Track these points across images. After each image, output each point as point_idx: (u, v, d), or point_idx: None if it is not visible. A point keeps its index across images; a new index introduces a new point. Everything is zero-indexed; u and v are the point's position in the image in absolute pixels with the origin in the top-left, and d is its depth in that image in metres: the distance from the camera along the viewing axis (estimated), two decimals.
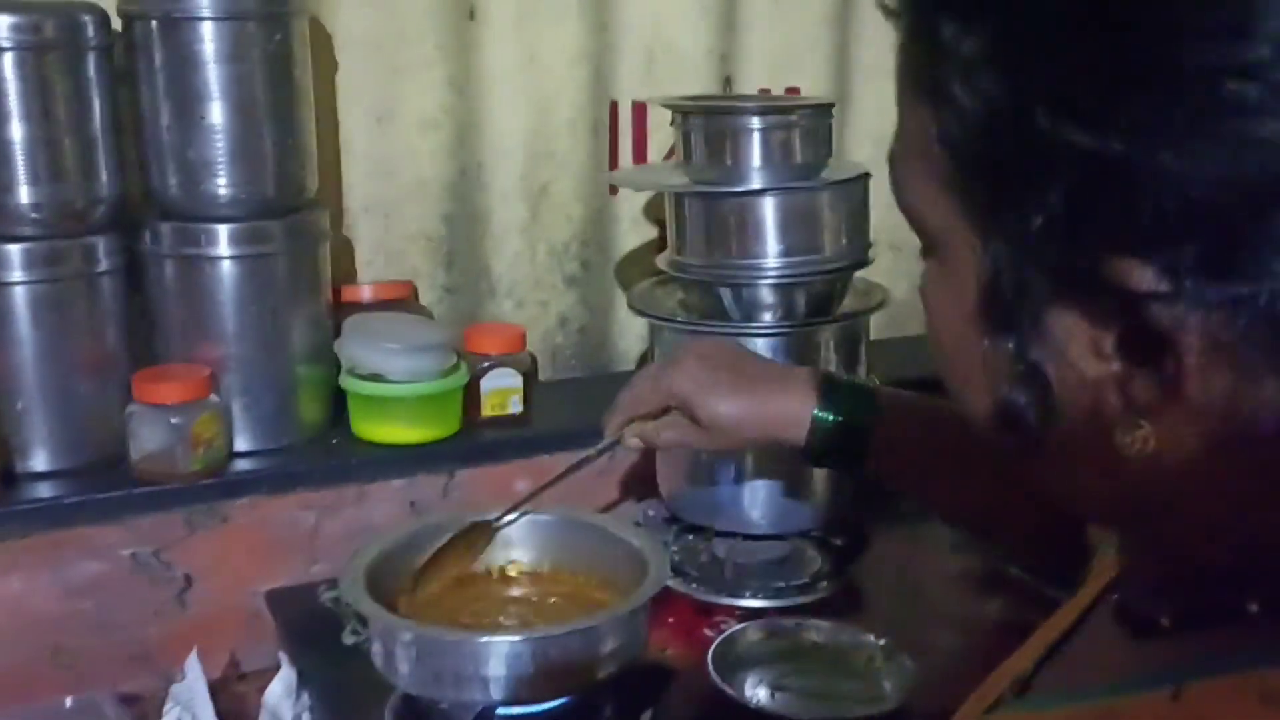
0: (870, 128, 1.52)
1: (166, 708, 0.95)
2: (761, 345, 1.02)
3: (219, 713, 1.01)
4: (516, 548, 0.95)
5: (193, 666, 0.98)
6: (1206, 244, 0.35)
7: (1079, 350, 0.39)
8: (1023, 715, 0.46)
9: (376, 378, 1.14)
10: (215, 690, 1.05)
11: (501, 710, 0.81)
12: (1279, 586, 0.39)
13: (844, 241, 1.03)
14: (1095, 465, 0.41)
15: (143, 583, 1.07)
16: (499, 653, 0.76)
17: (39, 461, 1.06)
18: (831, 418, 0.81)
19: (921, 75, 0.41)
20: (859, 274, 1.09)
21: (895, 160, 0.44)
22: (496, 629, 0.87)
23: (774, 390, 0.82)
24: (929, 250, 0.44)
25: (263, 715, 0.92)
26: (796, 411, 0.81)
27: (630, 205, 1.40)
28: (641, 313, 1.08)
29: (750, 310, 1.03)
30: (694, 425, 0.85)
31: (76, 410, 1.07)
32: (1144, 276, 0.36)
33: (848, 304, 1.07)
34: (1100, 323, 0.38)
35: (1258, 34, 0.34)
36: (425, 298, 1.33)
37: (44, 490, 1.04)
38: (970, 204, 0.40)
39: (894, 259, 1.57)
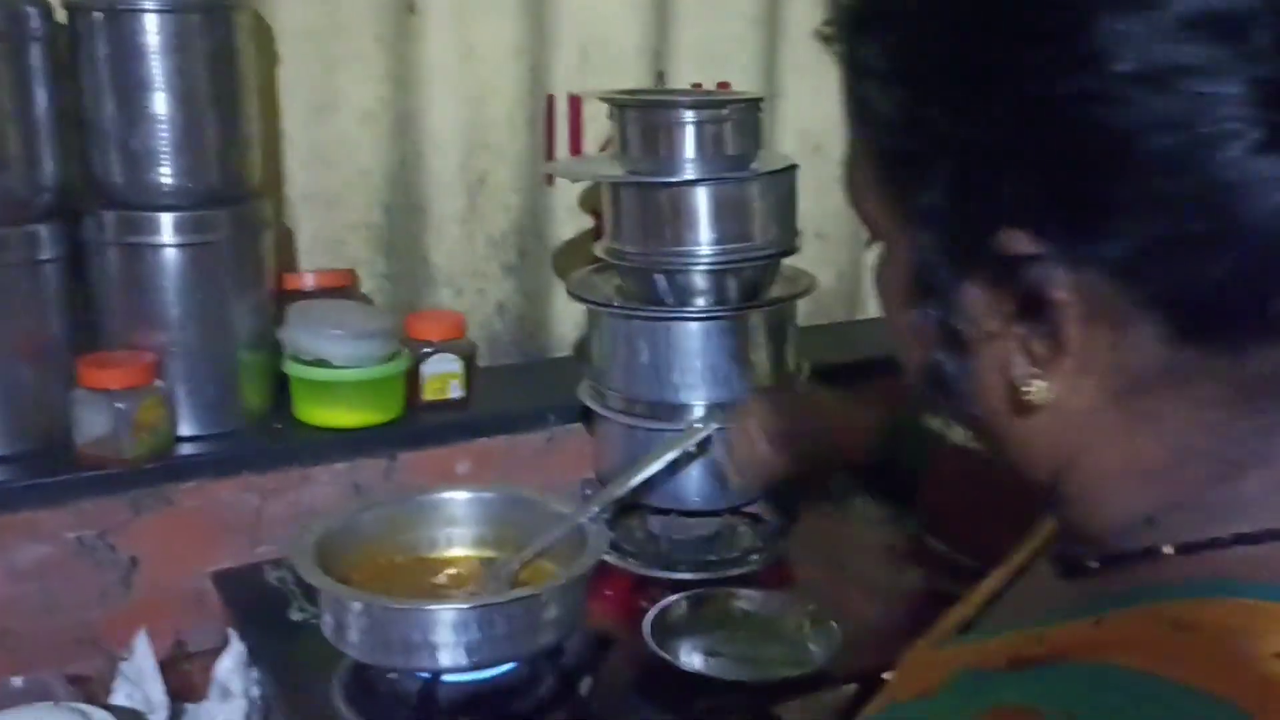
0: (797, 121, 1.57)
1: (115, 685, 0.97)
2: (694, 329, 1.06)
3: (169, 688, 1.03)
4: (460, 524, 0.99)
5: (141, 645, 1.00)
6: (1066, 210, 0.41)
7: (986, 316, 0.44)
8: (964, 647, 0.51)
9: (320, 363, 1.17)
10: (162, 669, 1.07)
11: (448, 677, 0.85)
12: (1189, 531, 0.44)
13: (773, 230, 1.08)
14: (1011, 423, 0.47)
15: (88, 566, 1.08)
16: (446, 620, 0.80)
17: None
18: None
19: (851, 92, 0.48)
20: (787, 261, 1.14)
21: (846, 166, 0.51)
22: (443, 598, 0.90)
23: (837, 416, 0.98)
24: (875, 240, 0.50)
25: (213, 689, 0.95)
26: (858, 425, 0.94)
27: (566, 195, 1.44)
28: (580, 298, 1.12)
29: (683, 295, 1.07)
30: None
31: (20, 396, 1.08)
32: (1021, 243, 0.42)
33: (776, 290, 1.12)
34: (998, 289, 0.44)
35: (1088, 31, 0.40)
36: (366, 286, 1.35)
37: None
38: (891, 197, 0.47)
39: (820, 247, 1.63)
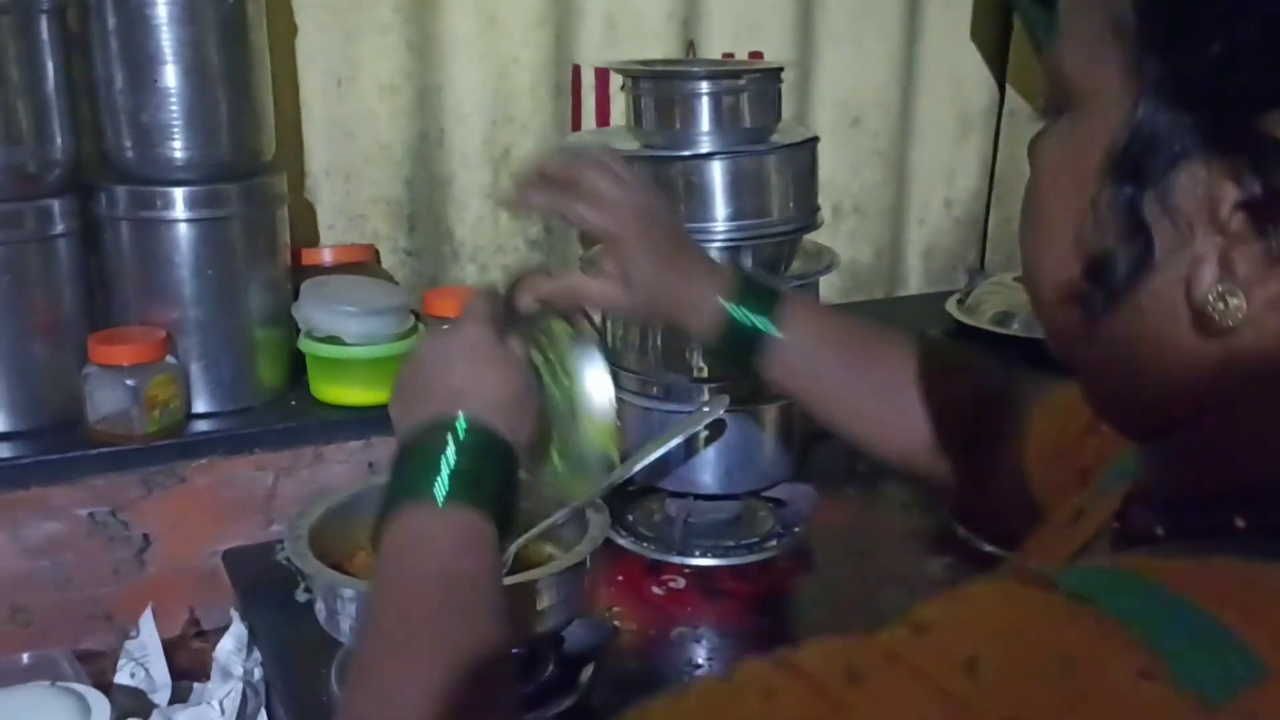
0: (835, 93, 1.53)
1: (120, 663, 0.97)
2: None
3: (177, 668, 1.03)
4: None
5: (146, 623, 0.99)
6: None
7: (1195, 210, 0.40)
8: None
9: (334, 340, 1.15)
10: (174, 646, 1.07)
11: None
12: (1270, 508, 0.41)
13: (791, 205, 1.03)
14: (1162, 349, 0.42)
15: (101, 542, 1.08)
16: None
17: None
18: (736, 316, 0.79)
19: None
20: (812, 237, 1.10)
21: (1064, 15, 0.45)
22: None
23: (697, 273, 0.80)
24: (1062, 107, 0.45)
25: (214, 669, 0.94)
26: (707, 300, 0.79)
27: None
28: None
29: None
30: (612, 275, 0.79)
31: (33, 372, 1.08)
32: None
33: (797, 267, 1.08)
34: (1228, 180, 0.39)
35: None
36: (387, 261, 1.34)
37: (1, 451, 1.05)
38: (1141, 46, 0.41)
39: (858, 222, 1.59)
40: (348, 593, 0.80)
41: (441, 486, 0.62)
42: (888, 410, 0.80)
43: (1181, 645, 0.37)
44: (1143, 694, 0.36)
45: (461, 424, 0.64)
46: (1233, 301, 0.40)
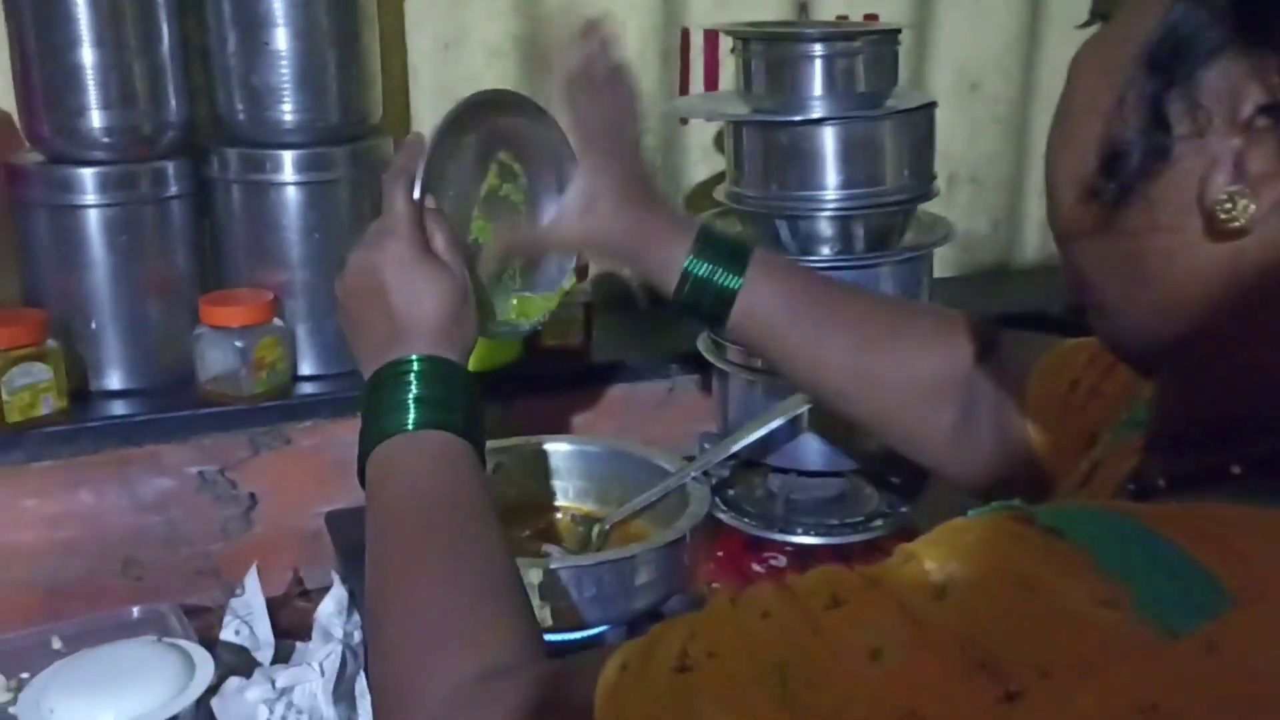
0: (953, 57, 1.47)
1: (226, 620, 0.98)
2: None
3: (281, 626, 1.04)
4: (561, 476, 0.95)
5: (252, 581, 1.00)
6: None
7: (1217, 108, 0.41)
8: None
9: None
10: (278, 605, 1.08)
11: None
12: (1263, 447, 0.43)
13: (906, 173, 1.00)
14: (1171, 251, 0.43)
15: (209, 500, 1.10)
16: (533, 581, 0.77)
17: (111, 380, 1.10)
18: (701, 272, 0.77)
19: None
20: (926, 208, 1.06)
21: None
22: (533, 557, 0.88)
23: (659, 219, 0.79)
24: (1104, 13, 0.47)
25: (315, 631, 0.94)
26: (671, 258, 0.78)
27: (701, 135, 1.38)
28: None
29: (807, 243, 1.00)
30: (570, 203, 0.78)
31: (147, 331, 1.10)
32: None
33: (910, 238, 1.04)
34: (1254, 81, 0.40)
35: None
36: None
37: (117, 408, 1.08)
38: None
39: (974, 193, 1.53)
40: None
41: (410, 418, 0.65)
42: (866, 365, 0.78)
43: (1147, 576, 0.38)
44: (1099, 619, 0.38)
45: (414, 364, 0.67)
46: (1242, 202, 0.40)
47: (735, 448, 0.93)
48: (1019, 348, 0.74)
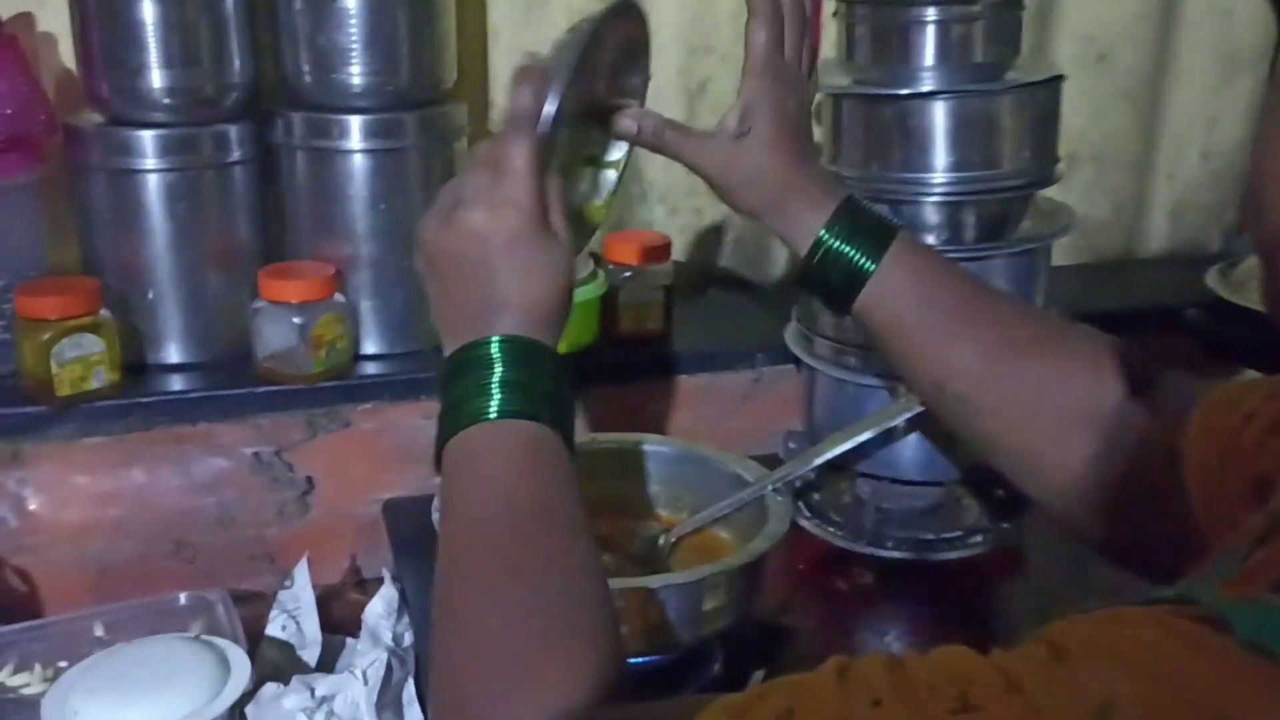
0: (1080, 25, 1.34)
1: (272, 614, 0.93)
2: None
3: (334, 619, 0.99)
4: (629, 481, 0.88)
5: (301, 573, 0.95)
6: None
7: None
8: None
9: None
10: (331, 596, 1.03)
11: None
12: None
13: (1027, 154, 0.89)
14: None
15: (265, 483, 1.05)
16: None
17: (169, 353, 1.05)
18: (835, 244, 0.71)
19: None
20: (1045, 192, 0.95)
21: None
22: None
23: (805, 185, 0.72)
24: None
25: (363, 632, 0.89)
26: (809, 219, 0.72)
27: None
28: None
29: (912, 230, 0.90)
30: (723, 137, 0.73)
31: (206, 303, 1.05)
32: None
33: (1027, 227, 0.93)
34: None
35: None
36: None
37: (172, 383, 1.03)
38: None
39: (1096, 173, 1.41)
40: None
41: (493, 404, 0.59)
42: (1000, 378, 0.69)
43: None
44: None
45: (507, 343, 0.60)
46: None
47: (820, 460, 0.84)
48: (1182, 386, 0.64)
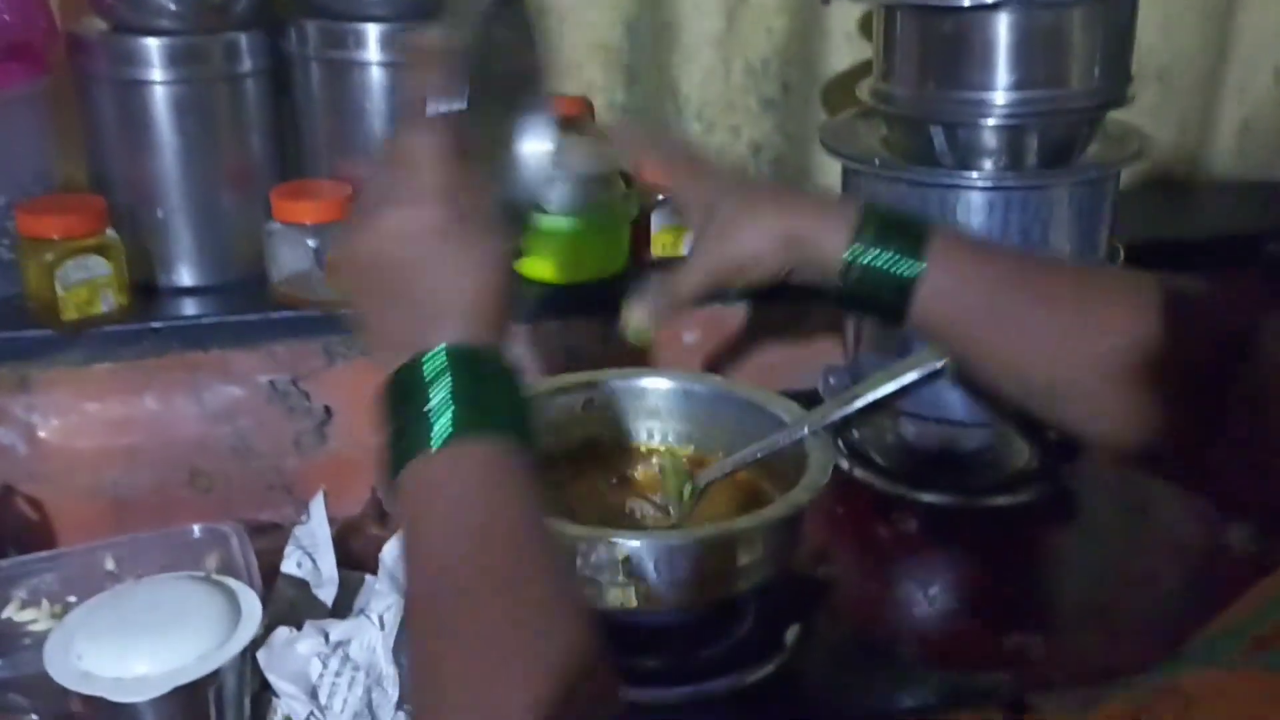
0: None
1: (288, 550, 0.90)
2: (978, 200, 0.83)
3: (353, 553, 0.95)
4: (663, 418, 0.83)
5: (317, 509, 0.91)
6: None
7: None
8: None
9: (535, 207, 1.02)
10: (351, 530, 1.00)
11: (623, 618, 0.71)
12: None
13: (1096, 74, 0.82)
14: None
15: (282, 412, 1.01)
16: (618, 558, 0.65)
17: (180, 276, 1.01)
18: (869, 259, 0.66)
19: None
20: (1112, 114, 0.88)
21: None
22: (619, 513, 0.76)
23: (806, 217, 0.68)
24: None
25: (380, 574, 0.85)
26: (830, 246, 0.67)
27: (844, 18, 1.20)
28: (833, 151, 0.90)
29: (967, 156, 0.84)
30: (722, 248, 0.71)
31: (218, 223, 1.00)
32: None
33: (1094, 152, 0.86)
34: None
35: None
36: (601, 117, 1.18)
37: (184, 307, 0.99)
38: None
39: (1160, 92, 1.32)
40: None
41: (443, 427, 0.52)
42: (1070, 336, 0.65)
43: None
44: None
45: (448, 355, 0.53)
46: None
47: (862, 401, 0.79)
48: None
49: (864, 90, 0.89)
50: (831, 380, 1.01)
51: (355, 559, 0.95)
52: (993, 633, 0.76)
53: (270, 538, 0.97)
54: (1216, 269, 0.97)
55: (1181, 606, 0.79)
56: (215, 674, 0.71)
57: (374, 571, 0.91)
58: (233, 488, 1.02)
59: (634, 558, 0.65)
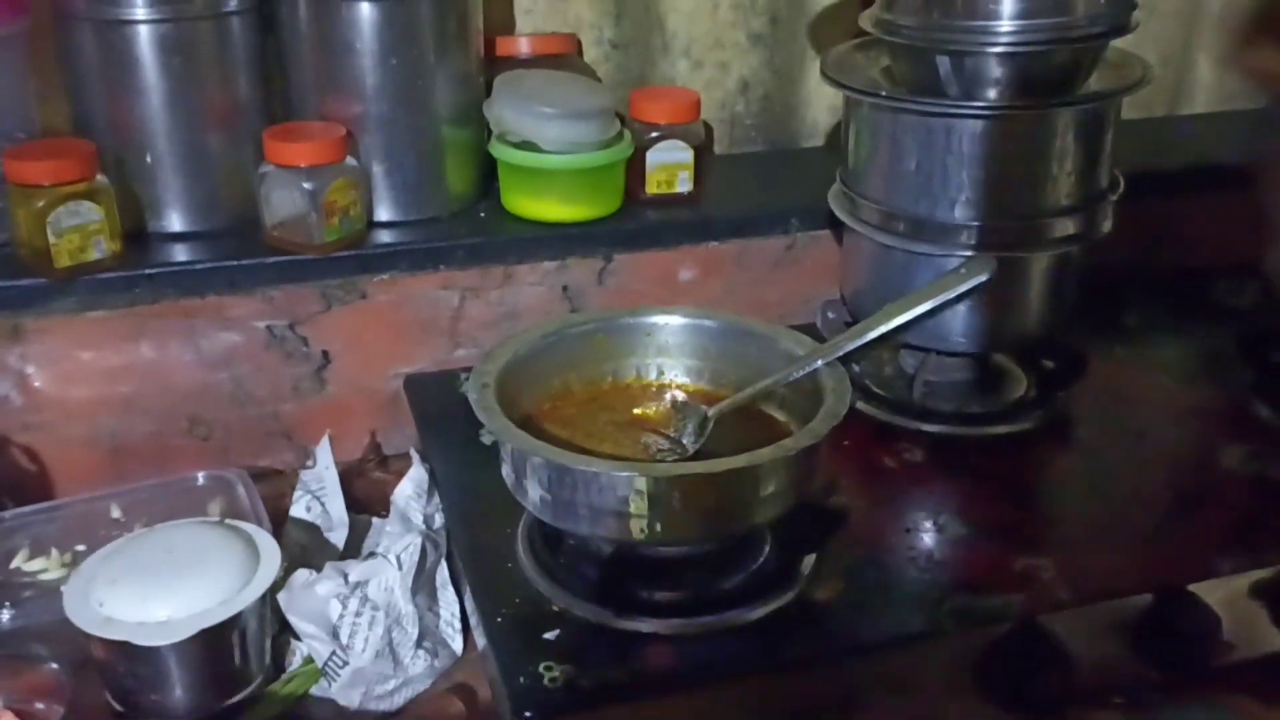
0: None
1: (296, 495, 0.90)
2: (982, 129, 0.84)
3: (356, 498, 0.95)
4: (673, 354, 0.83)
5: (324, 453, 0.91)
6: None
7: None
8: None
9: (530, 146, 1.01)
10: (353, 473, 1.00)
11: (643, 550, 0.72)
12: None
13: (1101, 0, 0.82)
14: None
15: (279, 357, 1.00)
16: (640, 489, 0.65)
17: (171, 221, 0.99)
18: None
19: None
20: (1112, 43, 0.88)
21: None
22: (633, 444, 0.76)
23: None
24: None
25: (392, 514, 0.85)
26: None
27: None
28: (837, 82, 0.90)
29: (972, 85, 0.84)
30: None
31: (208, 167, 0.98)
32: None
33: (1096, 80, 0.86)
34: None
35: None
36: (589, 54, 1.17)
37: (176, 253, 0.97)
38: None
39: (1142, 23, 1.32)
40: (537, 460, 0.69)
41: None
42: None
43: None
44: None
45: None
46: None
47: (877, 331, 0.79)
48: None
49: (866, 20, 0.89)
50: (830, 314, 1.02)
51: (359, 503, 0.95)
52: (1002, 556, 0.77)
53: (271, 483, 0.97)
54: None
55: (1183, 526, 0.81)
56: (238, 617, 0.71)
57: (377, 514, 0.92)
58: (231, 434, 1.01)
59: (657, 489, 0.65)
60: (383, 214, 1.02)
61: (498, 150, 1.03)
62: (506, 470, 0.73)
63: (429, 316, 1.02)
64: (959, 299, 0.85)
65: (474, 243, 1.02)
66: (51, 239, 0.89)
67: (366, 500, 0.96)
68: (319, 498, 0.89)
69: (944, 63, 0.83)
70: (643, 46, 1.19)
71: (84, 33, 0.94)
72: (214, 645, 0.71)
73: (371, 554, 0.86)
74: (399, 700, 0.76)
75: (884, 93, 0.86)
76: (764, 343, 0.80)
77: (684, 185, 1.08)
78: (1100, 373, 0.97)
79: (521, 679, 0.66)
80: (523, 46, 1.11)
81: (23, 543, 0.85)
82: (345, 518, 0.88)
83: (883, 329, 0.79)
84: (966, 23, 0.81)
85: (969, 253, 0.86)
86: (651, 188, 1.07)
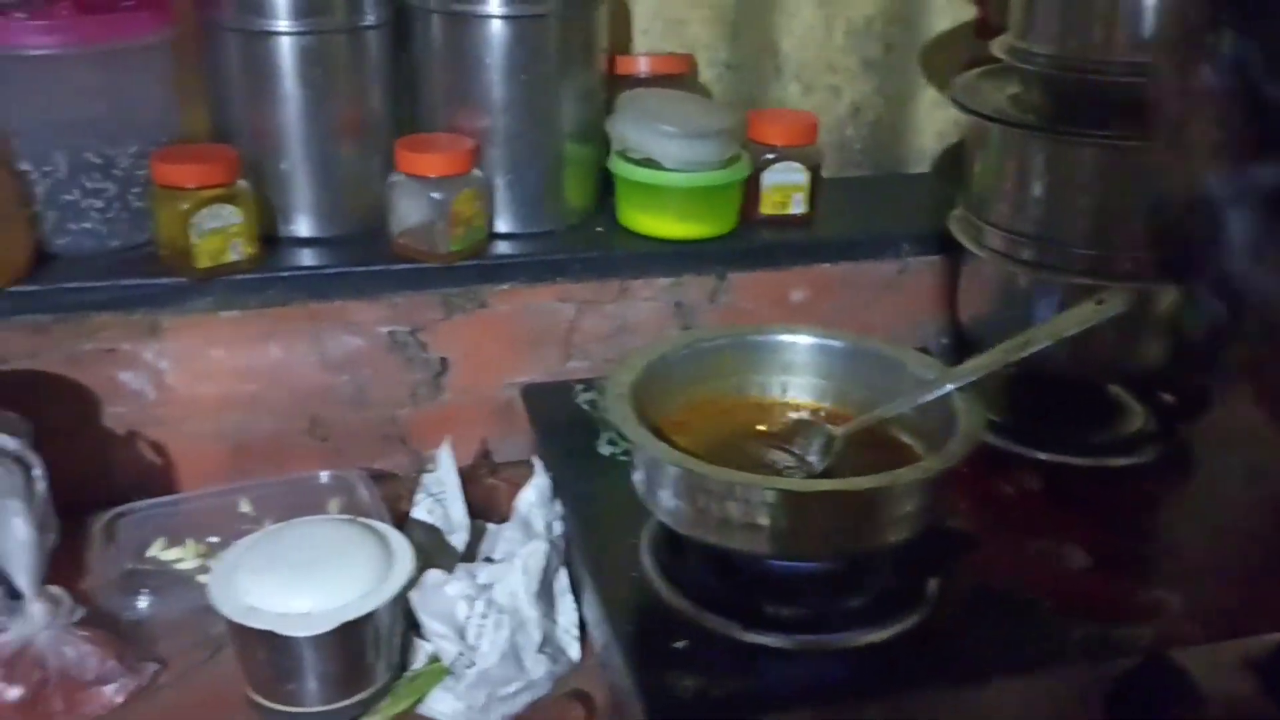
0: None
1: (417, 498, 0.91)
2: (1112, 158, 0.83)
3: (468, 501, 0.97)
4: (798, 373, 0.84)
5: (446, 457, 0.93)
6: None
7: None
8: None
9: (649, 163, 1.03)
10: (465, 479, 1.01)
11: (772, 564, 0.72)
12: None
13: None
14: None
15: (399, 362, 1.02)
16: (775, 503, 0.66)
17: (301, 227, 1.02)
18: None
19: None
20: None
21: None
22: (757, 460, 0.77)
23: None
24: None
25: (514, 520, 0.87)
26: None
27: None
28: (966, 108, 0.90)
29: (1107, 114, 0.84)
30: None
31: (338, 175, 1.01)
32: None
33: None
34: None
35: None
36: (704, 74, 1.19)
37: (305, 258, 1.00)
38: None
39: None
40: (672, 471, 0.70)
41: None
42: None
43: None
44: None
45: None
46: None
47: (1019, 355, 0.79)
48: None
49: (998, 47, 0.89)
50: (943, 339, 1.02)
51: (471, 508, 0.97)
52: (1127, 588, 0.77)
53: (385, 486, 0.99)
54: None
55: None
56: (374, 612, 0.73)
57: (490, 519, 0.93)
58: (349, 436, 1.03)
59: (794, 504, 0.66)
60: (502, 225, 1.04)
61: (618, 166, 1.05)
62: (639, 477, 0.74)
63: (545, 327, 1.04)
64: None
65: (592, 256, 1.04)
66: (194, 240, 0.92)
67: (477, 506, 0.98)
68: (440, 500, 0.91)
69: (1082, 91, 0.83)
70: (755, 69, 1.20)
71: (229, 42, 0.97)
72: (350, 639, 0.73)
73: (489, 558, 0.88)
74: (521, 703, 0.78)
75: (1015, 119, 0.86)
76: (890, 365, 0.81)
77: (798, 207, 1.09)
78: (1226, 413, 0.96)
79: (654, 688, 0.67)
80: (641, 65, 1.13)
81: (158, 533, 0.88)
82: (466, 521, 0.90)
83: (1017, 356, 0.79)
84: (1105, 52, 0.81)
85: (1094, 280, 0.85)
86: (766, 208, 1.08)
